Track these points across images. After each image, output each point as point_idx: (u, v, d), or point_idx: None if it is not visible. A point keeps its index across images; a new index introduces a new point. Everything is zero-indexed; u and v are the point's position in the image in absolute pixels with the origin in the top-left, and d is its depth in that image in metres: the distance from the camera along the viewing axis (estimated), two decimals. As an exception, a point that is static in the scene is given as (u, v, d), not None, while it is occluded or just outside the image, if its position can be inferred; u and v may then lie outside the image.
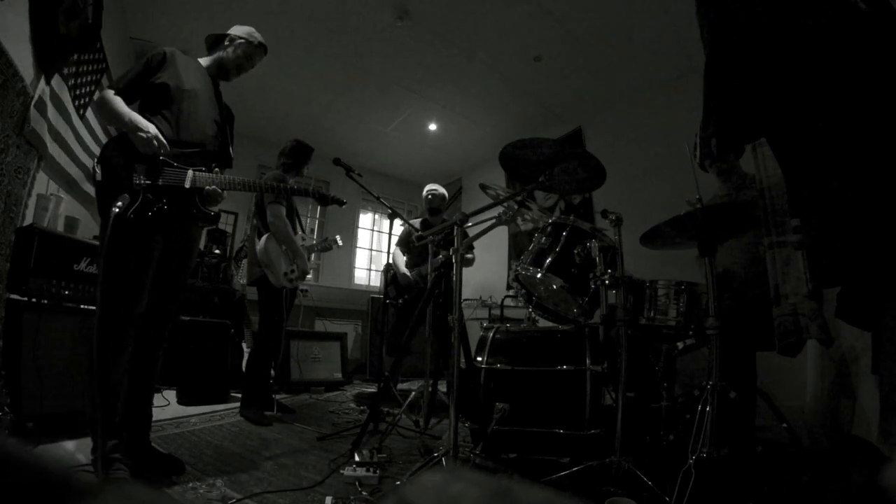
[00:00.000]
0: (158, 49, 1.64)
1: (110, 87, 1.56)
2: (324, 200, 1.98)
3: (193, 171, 1.56)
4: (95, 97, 1.53)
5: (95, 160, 1.50)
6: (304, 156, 2.80)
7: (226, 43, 1.83)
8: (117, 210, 1.34)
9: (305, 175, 2.86)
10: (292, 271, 2.64)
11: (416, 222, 3.38)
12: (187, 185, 1.54)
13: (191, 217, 1.61)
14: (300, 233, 2.88)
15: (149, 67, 1.59)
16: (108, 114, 1.51)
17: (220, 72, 1.81)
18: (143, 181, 1.47)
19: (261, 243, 2.59)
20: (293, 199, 2.83)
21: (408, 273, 3.27)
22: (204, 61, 1.80)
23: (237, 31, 1.85)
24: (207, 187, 1.58)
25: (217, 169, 1.65)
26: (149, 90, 1.59)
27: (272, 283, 2.59)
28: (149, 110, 1.58)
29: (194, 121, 1.63)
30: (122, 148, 1.48)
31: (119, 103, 1.50)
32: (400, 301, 3.31)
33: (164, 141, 1.49)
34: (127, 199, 1.39)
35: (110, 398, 1.40)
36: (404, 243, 3.49)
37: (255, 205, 2.78)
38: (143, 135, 1.45)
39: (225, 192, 1.64)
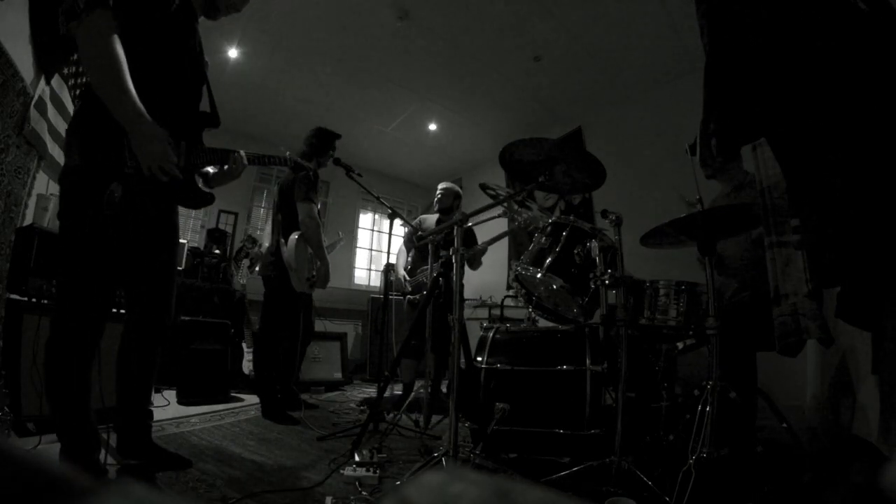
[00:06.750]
0: None
1: (100, 5, 1.14)
2: (297, 167, 1.91)
3: (185, 144, 1.37)
4: (84, 30, 1.12)
5: (66, 134, 1.16)
6: (328, 141, 2.64)
7: None
8: (109, 205, 1.11)
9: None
10: (313, 276, 2.56)
11: (432, 218, 3.28)
12: (181, 163, 1.35)
13: (185, 200, 1.42)
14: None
15: None
16: (106, 74, 1.10)
17: (207, 8, 1.53)
18: (132, 164, 1.19)
19: (290, 244, 2.47)
20: (318, 194, 2.68)
21: (405, 277, 3.18)
22: None
23: None
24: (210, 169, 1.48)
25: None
26: (133, 31, 1.21)
27: (292, 286, 2.47)
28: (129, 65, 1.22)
29: (184, 79, 1.40)
30: (105, 117, 1.12)
31: (125, 68, 1.11)
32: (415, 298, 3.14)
33: (175, 162, 1.26)
34: (119, 191, 1.13)
35: (79, 400, 1.26)
36: (409, 241, 3.40)
37: (277, 202, 2.63)
38: (157, 147, 1.16)
39: (239, 166, 1.49)
